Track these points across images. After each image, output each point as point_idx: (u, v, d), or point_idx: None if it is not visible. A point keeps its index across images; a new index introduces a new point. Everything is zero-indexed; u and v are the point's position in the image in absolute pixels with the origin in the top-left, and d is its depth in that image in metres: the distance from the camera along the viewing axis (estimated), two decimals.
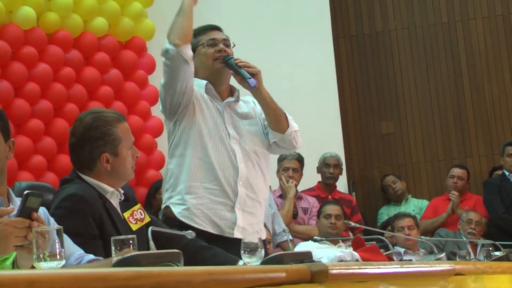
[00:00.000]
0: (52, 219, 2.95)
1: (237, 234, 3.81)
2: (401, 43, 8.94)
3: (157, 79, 7.47)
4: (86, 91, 6.94)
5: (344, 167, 8.28)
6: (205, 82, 3.94)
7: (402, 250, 6.33)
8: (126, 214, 3.29)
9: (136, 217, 3.31)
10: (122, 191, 3.35)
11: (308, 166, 7.58)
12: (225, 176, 3.86)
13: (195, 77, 3.94)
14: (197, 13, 8.00)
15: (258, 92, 3.93)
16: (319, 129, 8.18)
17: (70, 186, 3.23)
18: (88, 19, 7.06)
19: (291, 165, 6.85)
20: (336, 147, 8.16)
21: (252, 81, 3.81)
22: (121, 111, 7.02)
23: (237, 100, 4.04)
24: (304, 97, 8.21)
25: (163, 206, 3.91)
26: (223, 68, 3.94)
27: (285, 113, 4.03)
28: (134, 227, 3.26)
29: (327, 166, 7.57)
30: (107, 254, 2.84)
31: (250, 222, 3.92)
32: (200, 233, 3.58)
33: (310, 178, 7.60)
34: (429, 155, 8.78)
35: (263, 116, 4.04)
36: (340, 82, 8.79)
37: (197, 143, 3.85)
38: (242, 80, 3.88)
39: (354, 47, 9.02)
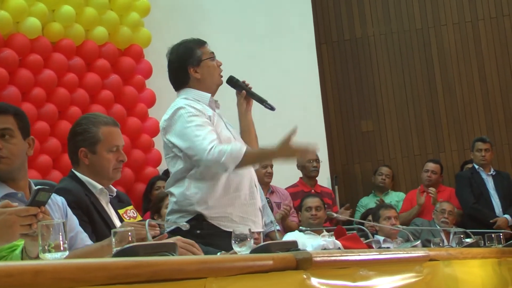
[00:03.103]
0: (69, 210, 2.99)
1: (264, 226, 4.02)
2: (379, 48, 8.95)
3: (153, 83, 7.48)
4: (88, 95, 6.93)
5: (327, 163, 8.29)
6: (208, 95, 3.92)
7: (381, 238, 6.34)
8: (121, 211, 3.38)
9: (130, 215, 3.40)
10: (115, 190, 3.41)
11: (295, 163, 7.59)
12: (249, 180, 3.91)
13: (198, 88, 3.92)
14: (189, 21, 8.08)
15: (249, 115, 4.04)
16: (304, 129, 8.06)
17: (61, 183, 3.36)
18: (90, 28, 7.06)
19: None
20: (320, 144, 8.12)
21: (273, 106, 3.93)
22: (120, 113, 7.06)
23: (218, 107, 4.06)
24: (289, 99, 8.21)
25: (190, 218, 3.79)
26: (222, 83, 3.99)
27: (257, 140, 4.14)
28: (128, 222, 3.31)
29: (310, 161, 7.54)
30: (98, 239, 2.90)
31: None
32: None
33: (297, 174, 7.60)
34: (405, 151, 8.79)
35: None
36: (323, 84, 8.80)
37: None
38: (248, 99, 3.99)
39: (335, 52, 9.03)
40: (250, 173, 3.92)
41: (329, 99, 8.92)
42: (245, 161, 3.68)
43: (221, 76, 4.00)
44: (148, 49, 7.47)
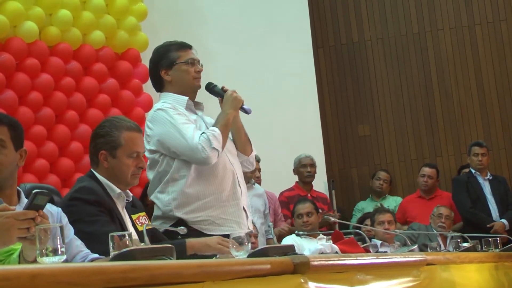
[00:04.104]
0: (65, 219, 2.99)
1: (250, 226, 3.93)
2: (375, 52, 8.96)
3: (151, 87, 7.46)
4: (85, 99, 6.92)
5: (324, 167, 8.29)
6: (186, 98, 3.89)
7: (379, 242, 6.34)
8: (134, 216, 3.40)
9: (142, 221, 3.42)
10: (131, 195, 3.43)
11: (291, 167, 7.59)
12: (231, 181, 3.86)
13: (169, 91, 3.93)
14: (187, 25, 8.09)
15: (236, 118, 3.95)
16: (301, 133, 8.19)
17: (82, 182, 3.35)
18: (87, 33, 7.05)
19: (256, 167, 6.81)
20: (317, 149, 8.17)
21: (249, 109, 3.87)
22: None
23: (202, 108, 4.05)
24: (286, 103, 8.23)
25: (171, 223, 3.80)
26: (198, 87, 3.94)
27: (249, 140, 4.09)
28: (140, 228, 3.37)
29: (304, 166, 7.52)
30: None
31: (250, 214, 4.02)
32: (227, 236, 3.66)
33: (293, 178, 7.60)
34: (402, 155, 8.80)
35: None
36: (320, 89, 8.81)
37: None
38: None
39: (332, 56, 9.04)
40: (233, 174, 3.87)
41: (326, 103, 8.93)
42: (222, 133, 3.74)
43: (196, 80, 3.91)
44: (145, 53, 7.46)
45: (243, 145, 4.04)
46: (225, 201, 3.82)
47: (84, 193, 3.22)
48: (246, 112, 3.87)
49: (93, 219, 3.13)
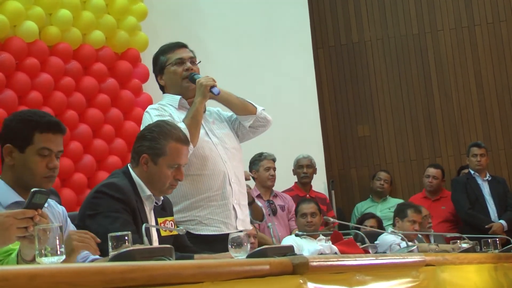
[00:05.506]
0: (69, 219, 3.00)
1: (239, 226, 3.87)
2: (375, 53, 8.96)
3: (150, 87, 7.47)
4: (85, 99, 6.92)
5: (324, 167, 8.28)
6: (178, 97, 3.93)
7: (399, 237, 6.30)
8: (160, 220, 3.41)
9: (167, 225, 3.43)
10: (161, 199, 3.44)
11: (291, 168, 7.59)
12: (220, 180, 3.85)
13: (165, 92, 3.99)
14: (186, 25, 8.08)
15: (220, 97, 3.96)
16: (300, 133, 8.19)
17: (113, 177, 3.37)
18: (87, 32, 7.05)
19: (271, 165, 6.81)
20: (316, 149, 8.16)
21: (215, 90, 3.85)
22: (117, 117, 7.07)
23: (204, 111, 4.00)
24: (286, 103, 8.21)
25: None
26: (190, 85, 3.93)
27: (247, 100, 4.08)
28: (164, 233, 3.39)
29: (301, 167, 7.51)
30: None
31: (246, 213, 3.99)
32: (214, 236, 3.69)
33: (293, 179, 7.60)
34: (402, 156, 8.80)
35: (232, 118, 4.11)
36: (320, 89, 8.80)
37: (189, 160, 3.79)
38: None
39: (332, 56, 9.04)
40: (223, 173, 3.86)
41: (325, 103, 8.93)
42: (189, 126, 3.71)
43: (184, 79, 3.91)
44: (145, 53, 7.47)
45: (241, 108, 4.04)
46: (212, 201, 3.82)
47: (111, 189, 3.23)
48: (214, 93, 3.85)
49: (115, 216, 3.15)
